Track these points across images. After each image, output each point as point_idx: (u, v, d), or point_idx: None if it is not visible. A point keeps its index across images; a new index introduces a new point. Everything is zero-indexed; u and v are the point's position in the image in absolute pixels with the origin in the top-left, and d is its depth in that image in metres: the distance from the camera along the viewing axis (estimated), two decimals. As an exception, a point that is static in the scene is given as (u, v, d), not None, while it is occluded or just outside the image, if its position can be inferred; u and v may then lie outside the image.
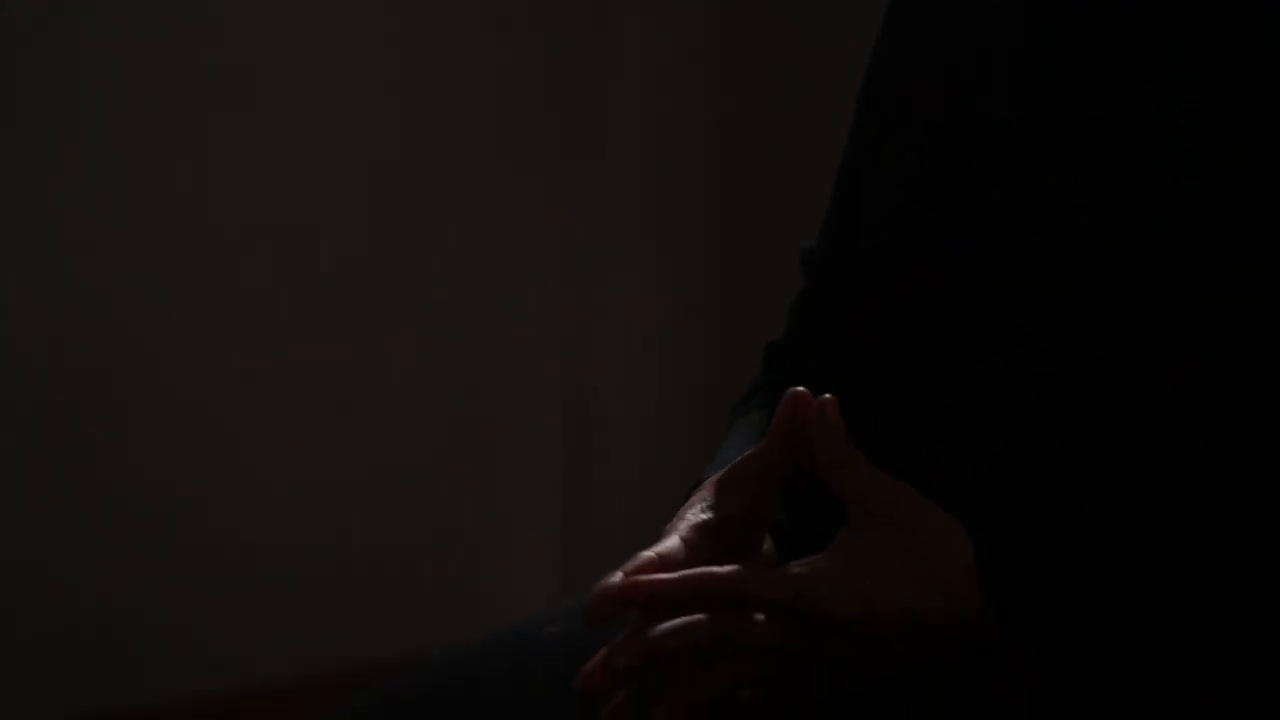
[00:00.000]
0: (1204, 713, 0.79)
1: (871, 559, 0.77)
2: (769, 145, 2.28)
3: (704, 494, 0.86)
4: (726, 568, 0.75)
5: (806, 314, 1.06)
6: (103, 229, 1.97)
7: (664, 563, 0.79)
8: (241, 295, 2.05)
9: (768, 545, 0.87)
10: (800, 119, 2.25)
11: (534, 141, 2.22)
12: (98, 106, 1.95)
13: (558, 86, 2.23)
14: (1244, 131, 0.82)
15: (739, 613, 0.75)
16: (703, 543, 0.81)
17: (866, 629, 0.75)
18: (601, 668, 0.75)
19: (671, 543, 0.81)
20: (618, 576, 0.77)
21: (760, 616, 0.75)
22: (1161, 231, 0.82)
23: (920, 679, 0.80)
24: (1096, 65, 0.87)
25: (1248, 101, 0.82)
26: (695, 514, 0.84)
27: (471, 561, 2.26)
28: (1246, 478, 0.78)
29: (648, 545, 0.81)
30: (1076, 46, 0.88)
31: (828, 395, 0.79)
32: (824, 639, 0.75)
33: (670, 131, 2.29)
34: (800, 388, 0.81)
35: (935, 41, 0.98)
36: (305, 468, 2.12)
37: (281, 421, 2.10)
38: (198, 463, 2.05)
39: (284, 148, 2.06)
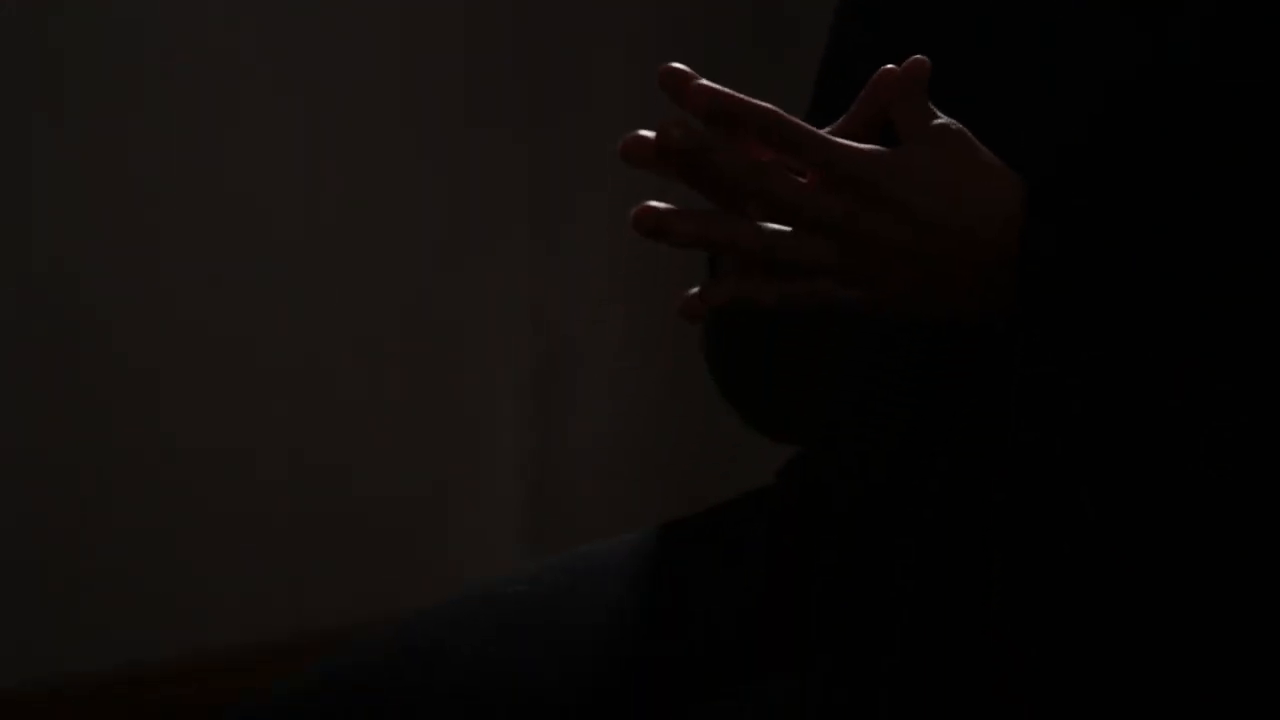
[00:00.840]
0: (1204, 713, 0.79)
1: (930, 163, 0.76)
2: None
3: None
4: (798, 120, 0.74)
5: None
6: (94, 214, 1.98)
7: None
8: (202, 256, 2.04)
9: None
10: (771, 85, 2.24)
11: (501, 97, 2.22)
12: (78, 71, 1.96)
13: (527, 42, 2.23)
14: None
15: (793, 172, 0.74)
16: None
17: (921, 216, 0.75)
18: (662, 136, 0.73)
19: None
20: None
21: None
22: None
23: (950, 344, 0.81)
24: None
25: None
26: None
27: (438, 518, 2.26)
28: (1246, 478, 0.78)
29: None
30: None
31: (919, 56, 0.77)
32: (877, 216, 0.74)
33: (642, 90, 2.28)
34: (890, 66, 0.78)
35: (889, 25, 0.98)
36: (269, 426, 2.11)
37: (242, 380, 2.09)
38: (154, 421, 2.04)
39: (260, 115, 2.06)
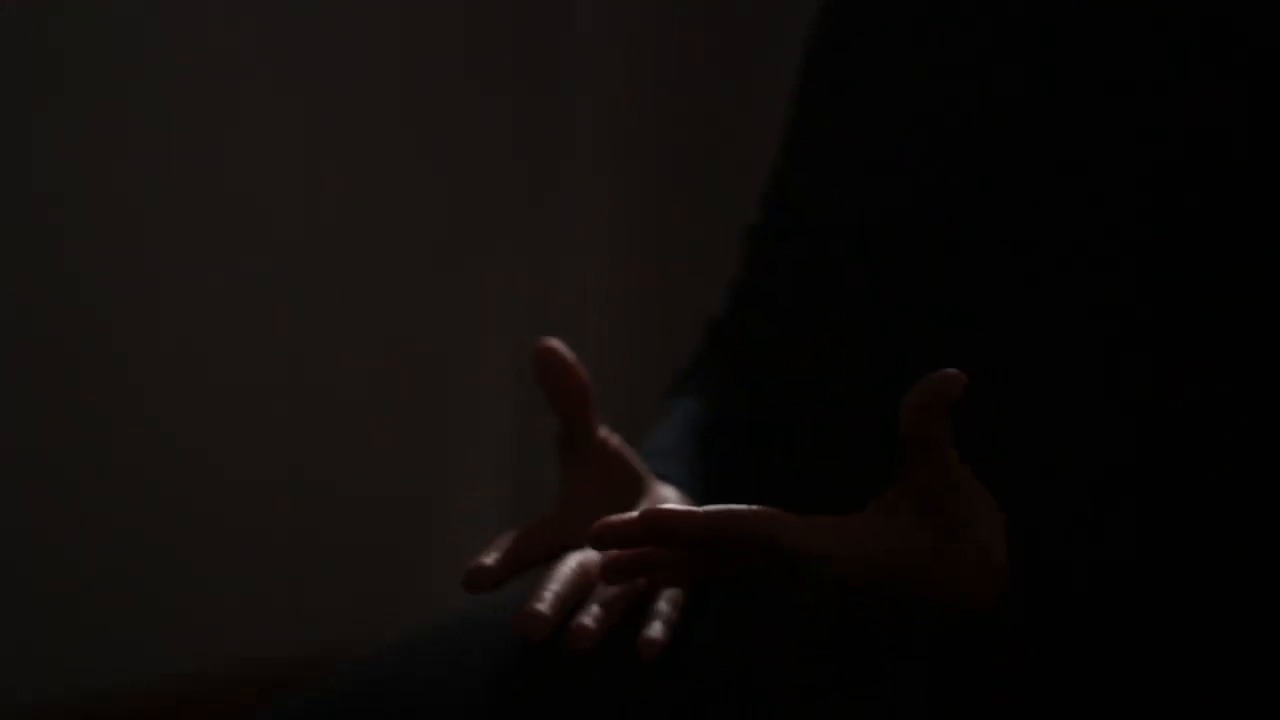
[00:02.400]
0: (1203, 712, 0.79)
1: (905, 546, 0.73)
2: (719, 129, 2.28)
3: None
4: (753, 508, 0.72)
5: (749, 294, 1.07)
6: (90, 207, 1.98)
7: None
8: (202, 256, 2.05)
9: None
10: (748, 104, 2.24)
11: (501, 97, 2.23)
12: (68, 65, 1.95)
13: (527, 43, 2.24)
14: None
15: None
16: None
17: (873, 604, 0.73)
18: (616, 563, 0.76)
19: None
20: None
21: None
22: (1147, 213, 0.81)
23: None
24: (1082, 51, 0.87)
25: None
26: None
27: (433, 516, 2.27)
28: (1246, 478, 0.78)
29: None
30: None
31: (954, 371, 0.72)
32: (827, 600, 0.73)
33: (624, 114, 2.29)
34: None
35: (867, 25, 0.98)
36: (266, 426, 2.12)
37: (239, 380, 2.10)
38: (142, 436, 2.04)
39: (259, 115, 2.07)
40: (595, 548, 0.73)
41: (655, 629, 0.78)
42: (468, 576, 0.78)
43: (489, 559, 0.80)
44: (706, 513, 0.70)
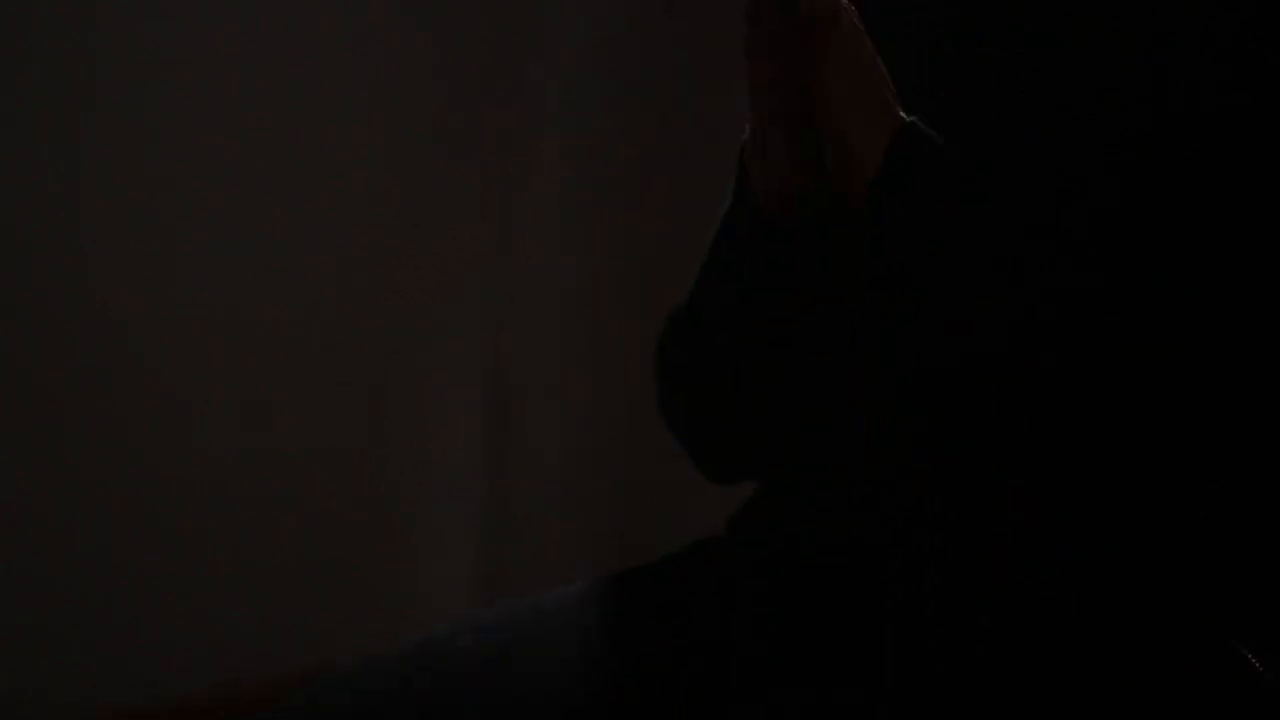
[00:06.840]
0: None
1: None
2: (690, 127, 2.26)
3: None
4: None
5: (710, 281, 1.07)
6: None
7: None
8: (165, 267, 2.03)
9: None
10: (720, 102, 2.25)
11: (463, 116, 2.22)
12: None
13: (490, 61, 2.23)
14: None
15: None
16: None
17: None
18: None
19: None
20: None
21: None
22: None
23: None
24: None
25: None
26: None
27: (389, 543, 2.24)
28: (1244, 479, 0.78)
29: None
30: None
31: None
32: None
33: (596, 108, 2.28)
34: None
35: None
36: (219, 444, 2.08)
37: (196, 396, 2.07)
38: (108, 447, 2.02)
39: (228, 116, 2.05)
40: None
41: None
42: None
43: None
44: None
